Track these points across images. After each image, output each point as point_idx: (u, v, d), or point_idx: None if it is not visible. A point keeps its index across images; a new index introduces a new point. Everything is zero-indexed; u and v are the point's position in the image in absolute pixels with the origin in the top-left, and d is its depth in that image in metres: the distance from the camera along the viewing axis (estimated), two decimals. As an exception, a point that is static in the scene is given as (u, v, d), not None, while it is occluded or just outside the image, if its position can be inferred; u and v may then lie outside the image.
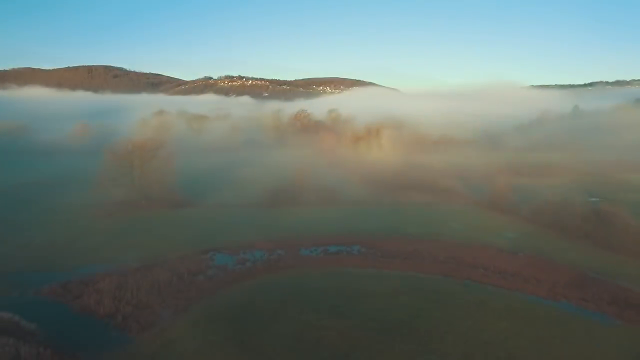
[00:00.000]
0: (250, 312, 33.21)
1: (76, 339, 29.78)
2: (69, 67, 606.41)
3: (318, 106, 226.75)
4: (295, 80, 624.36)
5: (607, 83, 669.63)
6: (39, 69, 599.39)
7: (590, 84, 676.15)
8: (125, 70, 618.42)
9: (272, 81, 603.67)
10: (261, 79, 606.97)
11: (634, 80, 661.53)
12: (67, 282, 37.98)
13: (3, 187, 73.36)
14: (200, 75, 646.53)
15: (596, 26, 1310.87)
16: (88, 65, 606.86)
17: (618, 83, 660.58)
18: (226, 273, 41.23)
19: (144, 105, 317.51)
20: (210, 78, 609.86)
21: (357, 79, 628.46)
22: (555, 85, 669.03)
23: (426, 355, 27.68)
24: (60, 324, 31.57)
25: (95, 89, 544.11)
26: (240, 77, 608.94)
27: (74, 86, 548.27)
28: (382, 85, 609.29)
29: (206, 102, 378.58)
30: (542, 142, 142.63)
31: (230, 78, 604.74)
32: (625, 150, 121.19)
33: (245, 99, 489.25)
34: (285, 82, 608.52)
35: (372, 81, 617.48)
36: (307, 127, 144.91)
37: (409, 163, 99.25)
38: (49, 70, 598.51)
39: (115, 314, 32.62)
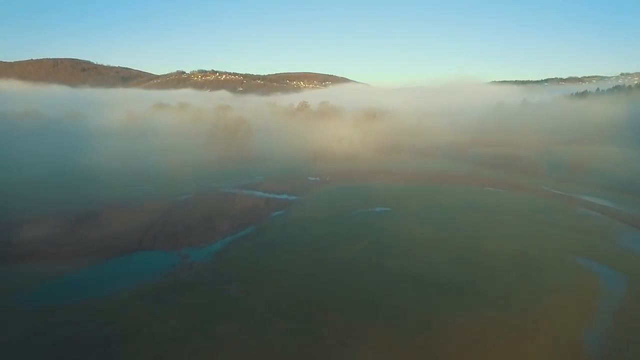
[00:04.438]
0: (342, 190, 75.20)
1: (275, 196, 70.55)
2: (32, 59, 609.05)
3: (301, 100, 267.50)
4: (269, 75, 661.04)
5: (560, 79, 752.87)
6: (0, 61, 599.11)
7: (546, 80, 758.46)
8: (93, 63, 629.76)
9: (245, 76, 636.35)
10: (235, 74, 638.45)
11: (585, 77, 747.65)
12: (244, 184, 78.45)
13: (127, 153, 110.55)
14: (172, 70, 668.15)
15: (553, 26, 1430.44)
16: (53, 58, 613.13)
17: (570, 79, 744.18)
18: (319, 182, 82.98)
19: (131, 99, 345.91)
20: (183, 72, 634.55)
21: (329, 74, 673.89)
22: (515, 81, 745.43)
23: (422, 210, 70.62)
24: (268, 196, 72.32)
25: (62, 82, 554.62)
26: (214, 72, 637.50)
27: (38, 79, 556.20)
28: (354, 80, 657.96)
29: (190, 95, 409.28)
30: (494, 126, 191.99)
31: (203, 72, 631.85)
32: (553, 131, 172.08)
33: (223, 93, 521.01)
34: (259, 77, 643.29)
35: (344, 76, 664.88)
36: (309, 114, 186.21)
37: (397, 139, 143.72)
38: (11, 62, 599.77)
39: (284, 192, 73.69)
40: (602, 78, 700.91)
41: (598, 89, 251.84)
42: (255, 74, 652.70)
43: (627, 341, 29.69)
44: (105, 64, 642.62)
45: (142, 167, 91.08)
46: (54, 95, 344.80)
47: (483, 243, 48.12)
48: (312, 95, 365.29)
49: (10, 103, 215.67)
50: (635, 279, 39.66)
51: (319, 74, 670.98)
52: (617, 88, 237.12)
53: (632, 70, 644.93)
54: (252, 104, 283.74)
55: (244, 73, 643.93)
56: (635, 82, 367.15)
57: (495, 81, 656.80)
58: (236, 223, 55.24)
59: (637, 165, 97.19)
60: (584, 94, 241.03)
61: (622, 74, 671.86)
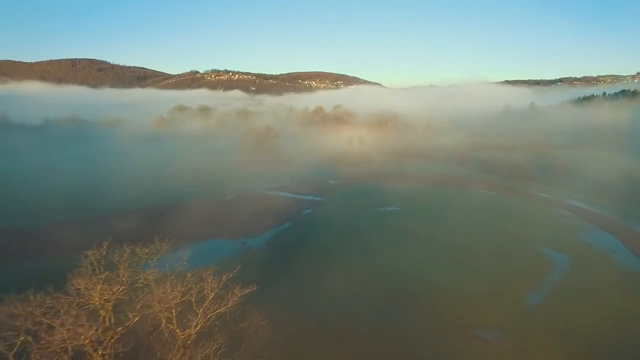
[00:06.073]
0: (358, 192, 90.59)
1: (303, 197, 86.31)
2: (51, 60, 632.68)
3: (315, 101, 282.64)
4: (281, 74, 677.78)
5: (575, 79, 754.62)
6: (20, 62, 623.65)
7: (560, 80, 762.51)
8: (109, 63, 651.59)
9: (258, 75, 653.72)
10: (247, 73, 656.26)
11: (600, 76, 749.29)
12: (275, 187, 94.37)
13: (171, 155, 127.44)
14: (186, 69, 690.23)
15: (567, 24, 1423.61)
16: (71, 59, 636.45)
17: (585, 79, 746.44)
18: (338, 185, 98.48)
19: (152, 100, 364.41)
20: (197, 72, 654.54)
21: (341, 73, 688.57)
22: (528, 80, 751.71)
23: (424, 202, 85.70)
24: (297, 197, 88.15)
25: (81, 82, 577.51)
26: (227, 71, 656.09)
27: (57, 80, 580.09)
28: (365, 79, 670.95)
29: (206, 96, 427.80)
30: (499, 130, 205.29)
31: (217, 72, 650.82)
32: (553, 136, 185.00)
33: (237, 93, 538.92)
34: (271, 77, 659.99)
35: (355, 75, 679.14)
36: (325, 119, 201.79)
37: (406, 143, 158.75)
38: (31, 63, 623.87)
39: (310, 194, 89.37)
40: (617, 77, 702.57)
41: (604, 93, 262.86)
42: (267, 73, 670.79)
43: (556, 299, 44.80)
44: (121, 64, 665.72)
45: (186, 170, 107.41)
46: (80, 97, 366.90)
47: (470, 236, 63.31)
48: (326, 97, 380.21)
49: (48, 108, 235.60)
50: (579, 262, 54.56)
51: (330, 73, 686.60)
52: (623, 93, 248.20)
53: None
54: (268, 107, 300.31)
55: (257, 73, 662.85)
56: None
57: (507, 80, 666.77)
58: (277, 219, 71.08)
59: (620, 170, 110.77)
60: (589, 99, 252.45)
61: (638, 73, 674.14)
